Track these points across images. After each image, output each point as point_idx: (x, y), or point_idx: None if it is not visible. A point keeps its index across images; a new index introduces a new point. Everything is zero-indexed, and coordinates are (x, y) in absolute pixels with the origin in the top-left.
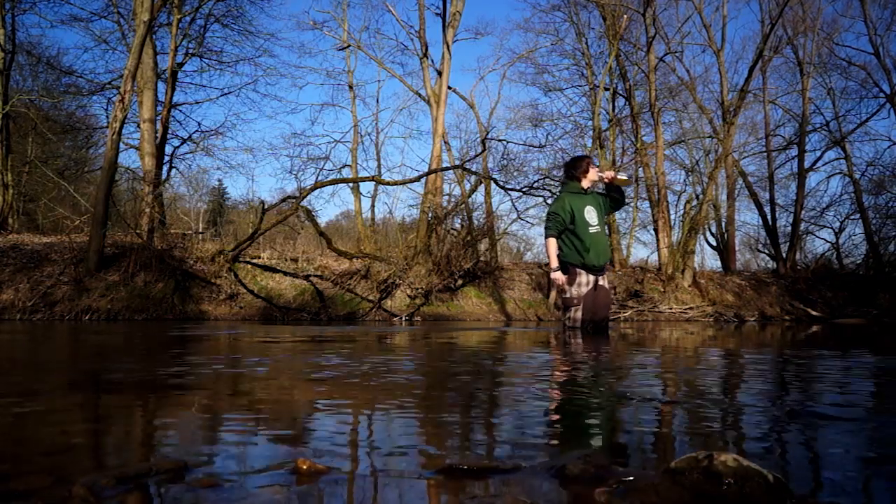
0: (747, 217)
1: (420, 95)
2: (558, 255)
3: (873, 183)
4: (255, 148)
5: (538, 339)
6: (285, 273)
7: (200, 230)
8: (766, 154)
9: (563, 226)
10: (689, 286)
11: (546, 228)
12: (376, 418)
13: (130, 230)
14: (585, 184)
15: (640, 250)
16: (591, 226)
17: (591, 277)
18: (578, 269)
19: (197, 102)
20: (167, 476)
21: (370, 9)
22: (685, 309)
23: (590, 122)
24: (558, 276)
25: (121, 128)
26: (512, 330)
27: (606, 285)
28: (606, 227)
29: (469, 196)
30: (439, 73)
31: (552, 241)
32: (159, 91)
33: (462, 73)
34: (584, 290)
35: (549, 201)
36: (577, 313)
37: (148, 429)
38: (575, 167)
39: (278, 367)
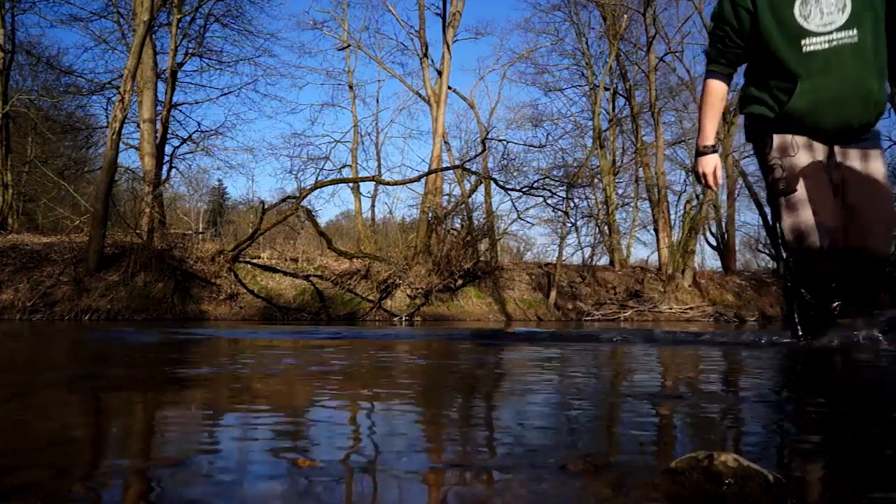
0: (747, 217)
1: (420, 95)
2: (741, 113)
3: None
4: (255, 148)
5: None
6: (285, 273)
7: (200, 230)
8: None
9: (734, 47)
10: (690, 286)
11: (706, 57)
12: (376, 416)
13: (130, 230)
14: None
15: (640, 250)
16: (815, 34)
17: (819, 146)
18: (779, 133)
19: (197, 102)
20: (166, 471)
21: (370, 9)
22: (685, 309)
23: (590, 122)
24: (705, 164)
25: (121, 128)
26: (511, 330)
27: (875, 173)
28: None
29: (469, 196)
30: (439, 73)
31: (713, 87)
32: (159, 91)
33: (462, 73)
34: (805, 160)
35: (550, 201)
36: (805, 213)
37: (147, 424)
38: None
39: (277, 365)
